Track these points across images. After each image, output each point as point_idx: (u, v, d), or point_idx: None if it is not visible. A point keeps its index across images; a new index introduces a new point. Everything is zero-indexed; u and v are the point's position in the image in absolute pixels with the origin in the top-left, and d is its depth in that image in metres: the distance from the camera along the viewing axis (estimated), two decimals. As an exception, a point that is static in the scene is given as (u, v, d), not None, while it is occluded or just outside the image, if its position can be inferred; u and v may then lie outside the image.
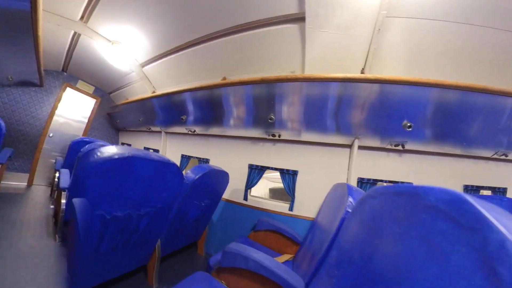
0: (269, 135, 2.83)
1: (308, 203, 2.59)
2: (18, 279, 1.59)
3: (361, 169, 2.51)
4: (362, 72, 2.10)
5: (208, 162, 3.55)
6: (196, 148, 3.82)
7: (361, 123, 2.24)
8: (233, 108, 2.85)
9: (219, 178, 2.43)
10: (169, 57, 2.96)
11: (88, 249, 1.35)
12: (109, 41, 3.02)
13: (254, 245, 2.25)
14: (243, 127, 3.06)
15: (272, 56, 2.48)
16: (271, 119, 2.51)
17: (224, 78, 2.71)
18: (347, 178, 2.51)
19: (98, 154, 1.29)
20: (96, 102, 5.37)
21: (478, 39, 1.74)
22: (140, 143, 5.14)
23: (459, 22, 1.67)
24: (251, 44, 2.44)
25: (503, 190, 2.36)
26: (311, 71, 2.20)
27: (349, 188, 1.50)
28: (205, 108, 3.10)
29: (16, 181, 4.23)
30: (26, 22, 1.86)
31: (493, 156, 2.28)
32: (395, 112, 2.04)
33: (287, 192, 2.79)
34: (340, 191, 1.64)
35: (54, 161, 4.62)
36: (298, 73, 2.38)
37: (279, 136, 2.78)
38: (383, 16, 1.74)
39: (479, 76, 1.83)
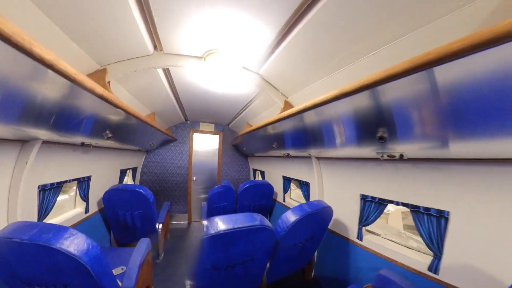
0: (381, 156, 1.77)
1: (473, 270, 1.43)
2: None
3: None
4: None
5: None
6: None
7: None
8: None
9: (321, 215, 2.12)
10: (289, 37, 1.56)
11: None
12: (200, 57, 2.04)
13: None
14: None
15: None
16: (381, 138, 1.43)
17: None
18: None
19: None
20: (219, 138, 5.33)
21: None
22: (277, 172, 4.16)
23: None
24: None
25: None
26: None
27: None
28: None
29: (180, 221, 5.07)
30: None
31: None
32: None
33: (427, 243, 1.72)
34: None
35: (202, 197, 5.22)
36: None
37: (401, 156, 1.67)
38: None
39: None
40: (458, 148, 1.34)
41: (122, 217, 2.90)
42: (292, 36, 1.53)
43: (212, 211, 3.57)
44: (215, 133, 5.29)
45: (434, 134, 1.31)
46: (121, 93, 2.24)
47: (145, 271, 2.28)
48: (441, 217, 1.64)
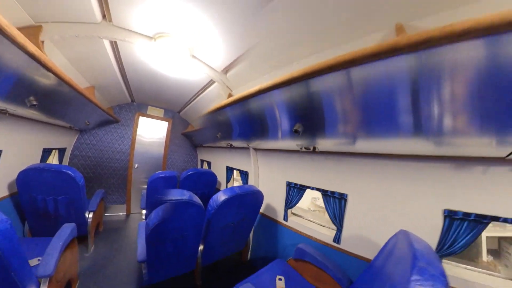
0: (301, 148, 2.21)
1: (362, 238, 1.97)
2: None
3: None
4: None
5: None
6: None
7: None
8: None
9: (251, 197, 2.36)
10: (235, 33, 1.82)
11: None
12: (151, 37, 2.00)
13: (292, 274, 2.13)
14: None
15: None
16: (296, 131, 1.75)
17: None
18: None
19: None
20: (168, 125, 5.15)
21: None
22: (222, 162, 4.38)
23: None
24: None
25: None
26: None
27: (414, 256, 0.97)
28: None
29: (116, 212, 4.64)
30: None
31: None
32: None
33: (332, 220, 2.21)
34: (404, 250, 1.12)
35: (144, 187, 4.81)
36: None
37: (314, 149, 2.10)
38: None
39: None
40: (359, 144, 1.71)
41: (41, 203, 2.48)
42: (238, 33, 1.71)
43: (152, 199, 3.46)
44: (164, 119, 5.08)
45: (338, 131, 1.65)
46: (56, 57, 2.02)
47: (67, 261, 2.00)
48: (342, 198, 2.10)
